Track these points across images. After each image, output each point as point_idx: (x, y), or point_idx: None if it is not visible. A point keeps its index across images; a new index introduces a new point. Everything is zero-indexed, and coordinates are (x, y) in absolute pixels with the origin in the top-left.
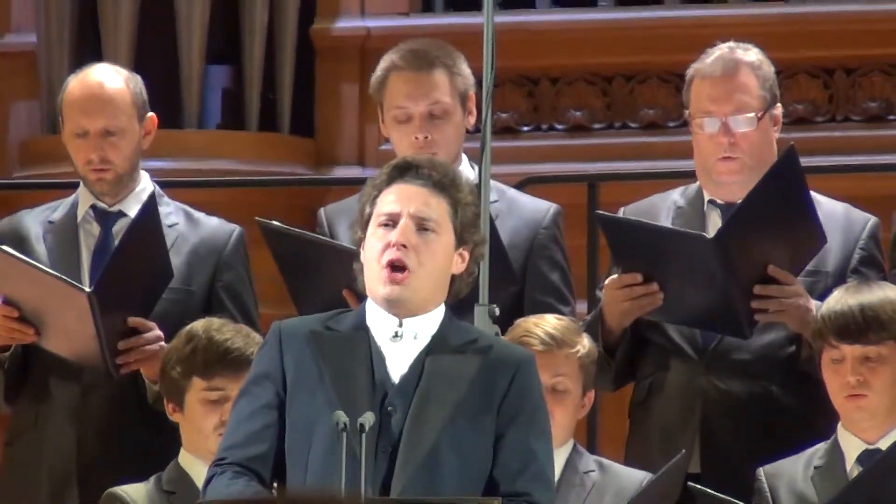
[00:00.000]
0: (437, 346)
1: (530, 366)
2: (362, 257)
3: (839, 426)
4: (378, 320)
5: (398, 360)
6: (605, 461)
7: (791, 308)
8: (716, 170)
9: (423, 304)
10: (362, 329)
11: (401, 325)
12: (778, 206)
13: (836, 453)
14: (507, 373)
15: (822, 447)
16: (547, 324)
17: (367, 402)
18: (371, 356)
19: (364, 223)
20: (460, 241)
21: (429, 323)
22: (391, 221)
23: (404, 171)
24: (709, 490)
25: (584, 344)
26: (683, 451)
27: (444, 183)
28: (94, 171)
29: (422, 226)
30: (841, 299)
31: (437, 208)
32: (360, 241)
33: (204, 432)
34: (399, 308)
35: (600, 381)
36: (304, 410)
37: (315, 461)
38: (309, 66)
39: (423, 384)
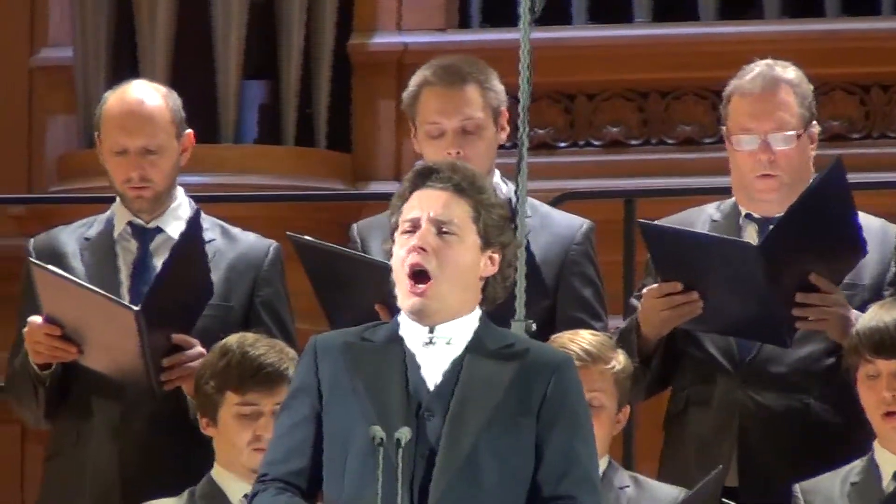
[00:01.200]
0: (473, 350)
1: (569, 369)
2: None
3: (875, 443)
4: (411, 329)
5: (432, 366)
6: (641, 477)
7: (832, 316)
8: (754, 187)
9: (452, 310)
10: (396, 338)
11: (432, 331)
12: (823, 216)
13: (872, 470)
14: (545, 376)
15: (858, 464)
16: (582, 339)
17: (402, 410)
18: (405, 364)
19: (392, 233)
20: (486, 243)
21: (462, 328)
22: (413, 227)
23: (425, 176)
24: None
25: (620, 359)
26: (721, 465)
27: (464, 186)
28: (133, 189)
29: (442, 229)
30: (876, 315)
31: (457, 211)
32: (391, 253)
33: (237, 447)
34: (426, 318)
35: (633, 391)
36: (339, 422)
37: (351, 473)
38: (346, 82)
39: (459, 389)
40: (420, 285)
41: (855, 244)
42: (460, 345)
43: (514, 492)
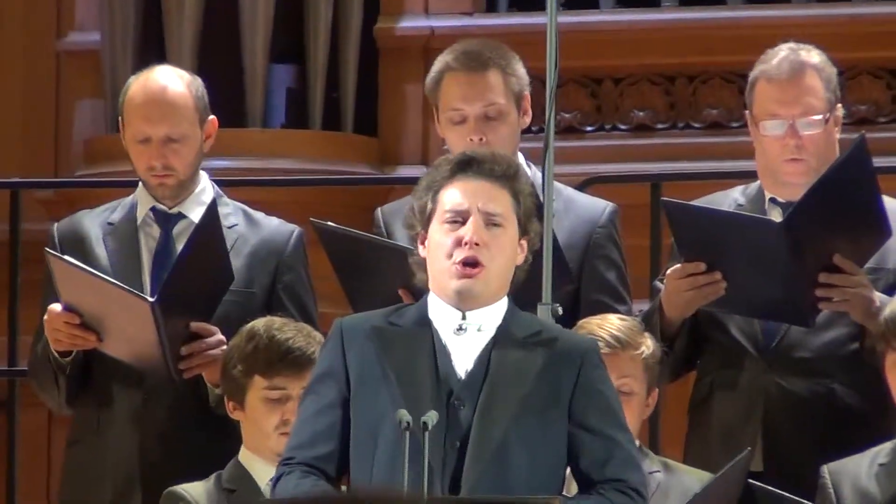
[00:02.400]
0: (502, 338)
1: (595, 354)
2: (421, 252)
3: None
4: (441, 314)
5: (463, 353)
6: (670, 462)
7: (855, 297)
8: (782, 171)
9: (490, 297)
10: (425, 323)
11: (464, 318)
12: (846, 195)
13: None
14: (574, 365)
15: (887, 446)
16: (611, 325)
17: (432, 397)
18: (435, 351)
19: (425, 219)
20: (523, 231)
21: (492, 315)
22: (459, 218)
23: (466, 165)
24: (769, 487)
25: (648, 344)
26: (749, 448)
27: (508, 175)
28: (156, 177)
29: (490, 221)
30: None
31: (502, 202)
32: (417, 237)
33: (265, 431)
34: (468, 302)
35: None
36: (369, 408)
37: (382, 459)
38: (373, 66)
39: (490, 378)
40: (473, 269)
41: (879, 225)
42: (489, 332)
43: (542, 480)
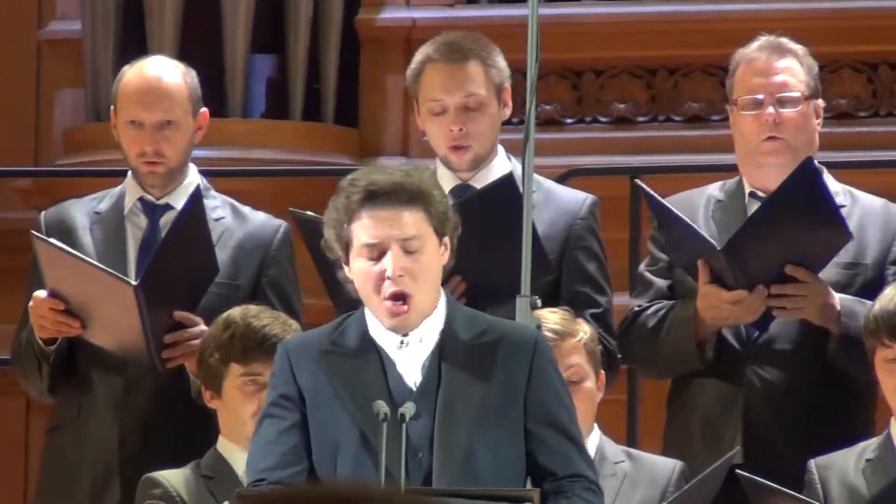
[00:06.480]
0: (448, 344)
1: (543, 345)
2: (347, 272)
3: (892, 420)
4: (382, 333)
5: (410, 366)
6: (633, 450)
7: (809, 305)
8: (760, 150)
9: (426, 312)
10: (369, 342)
11: (406, 334)
12: (794, 214)
13: (888, 447)
14: (525, 360)
15: (874, 441)
16: (546, 319)
17: (389, 413)
18: (384, 368)
19: (343, 246)
20: (441, 235)
21: (432, 324)
22: (376, 252)
23: (374, 196)
24: (754, 477)
25: (585, 329)
26: (738, 447)
27: (412, 194)
28: (147, 164)
29: (408, 248)
30: (893, 297)
31: (415, 224)
32: (339, 259)
33: (242, 419)
34: (406, 329)
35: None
36: (326, 431)
37: (343, 475)
38: (354, 56)
39: (444, 388)
40: (403, 305)
41: (836, 233)
42: (432, 338)
43: (507, 481)
